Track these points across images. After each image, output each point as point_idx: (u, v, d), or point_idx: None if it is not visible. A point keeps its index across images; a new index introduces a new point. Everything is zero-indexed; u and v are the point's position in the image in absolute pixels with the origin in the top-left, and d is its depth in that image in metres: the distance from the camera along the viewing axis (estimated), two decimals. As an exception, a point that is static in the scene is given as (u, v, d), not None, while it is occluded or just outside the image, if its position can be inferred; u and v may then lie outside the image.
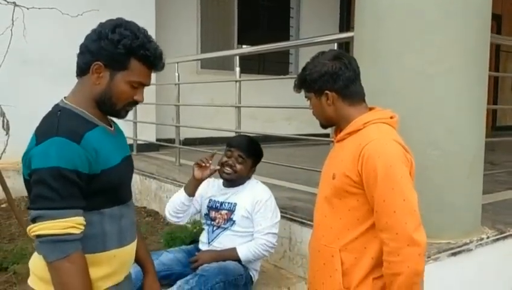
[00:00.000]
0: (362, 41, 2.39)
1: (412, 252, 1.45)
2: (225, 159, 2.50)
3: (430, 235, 2.18)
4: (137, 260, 1.67)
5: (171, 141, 5.29)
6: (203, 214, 2.57)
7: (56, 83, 4.78)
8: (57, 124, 1.36)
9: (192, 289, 2.16)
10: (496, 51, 10.28)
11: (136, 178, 4.58)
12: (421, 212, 2.17)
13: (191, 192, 2.41)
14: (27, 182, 1.36)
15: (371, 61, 2.33)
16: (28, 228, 1.32)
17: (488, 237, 2.33)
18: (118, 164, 1.47)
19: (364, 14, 2.38)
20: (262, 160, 2.66)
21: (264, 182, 3.59)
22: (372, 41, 2.31)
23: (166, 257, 2.44)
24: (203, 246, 2.52)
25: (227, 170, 2.47)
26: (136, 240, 1.57)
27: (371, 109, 1.71)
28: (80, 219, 1.33)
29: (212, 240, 2.49)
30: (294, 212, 2.81)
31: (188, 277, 2.24)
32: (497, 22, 10.34)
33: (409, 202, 1.48)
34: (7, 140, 2.91)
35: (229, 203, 2.51)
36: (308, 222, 2.66)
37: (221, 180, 2.60)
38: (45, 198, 1.29)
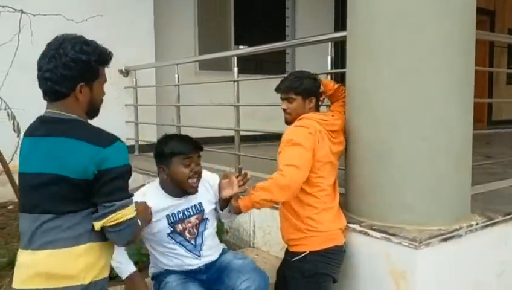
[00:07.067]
0: (355, 41, 2.52)
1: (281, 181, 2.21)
2: (193, 169, 2.25)
3: (422, 222, 2.33)
4: None
5: (172, 141, 5.40)
6: (165, 235, 2.28)
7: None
8: (104, 131, 1.65)
9: None
10: (490, 46, 10.42)
11: (139, 177, 4.69)
12: (412, 200, 2.34)
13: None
14: (80, 182, 1.56)
15: (364, 59, 2.46)
16: (111, 217, 1.57)
17: (477, 224, 2.44)
18: None
19: (356, 15, 2.50)
20: (264, 157, 2.77)
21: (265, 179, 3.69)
22: (365, 41, 2.43)
23: None
24: (195, 262, 2.33)
25: (197, 179, 2.29)
26: None
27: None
28: None
29: (199, 254, 2.34)
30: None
31: None
32: (491, 18, 10.47)
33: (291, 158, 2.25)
34: (18, 142, 3.02)
35: (193, 206, 2.34)
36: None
37: (155, 191, 2.32)
38: (123, 190, 1.60)
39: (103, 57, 1.69)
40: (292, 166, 2.20)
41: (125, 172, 1.60)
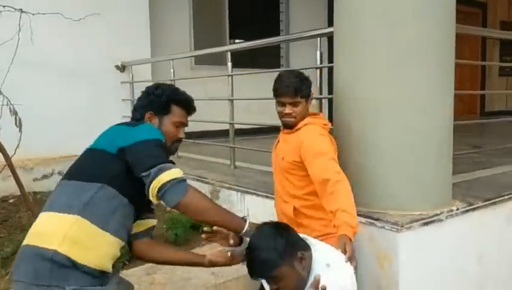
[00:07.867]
0: (341, 36, 2.64)
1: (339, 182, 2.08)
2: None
3: (404, 208, 2.47)
4: None
5: (169, 135, 5.52)
6: None
7: (59, 83, 5.04)
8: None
9: None
10: (483, 39, 10.54)
11: (137, 170, 4.81)
12: (395, 187, 2.46)
13: None
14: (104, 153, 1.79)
15: (348, 53, 2.59)
16: (152, 185, 1.64)
17: (457, 209, 2.58)
18: None
19: (341, 11, 2.64)
20: (261, 150, 2.74)
21: (263, 171, 3.80)
22: (350, 36, 2.56)
23: None
24: None
25: None
26: None
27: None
28: None
29: None
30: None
31: None
32: (483, 10, 10.60)
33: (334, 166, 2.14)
34: (20, 136, 3.14)
35: None
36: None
37: None
38: (155, 156, 1.74)
39: (179, 96, 2.00)
40: (341, 173, 2.11)
41: (149, 142, 1.73)
